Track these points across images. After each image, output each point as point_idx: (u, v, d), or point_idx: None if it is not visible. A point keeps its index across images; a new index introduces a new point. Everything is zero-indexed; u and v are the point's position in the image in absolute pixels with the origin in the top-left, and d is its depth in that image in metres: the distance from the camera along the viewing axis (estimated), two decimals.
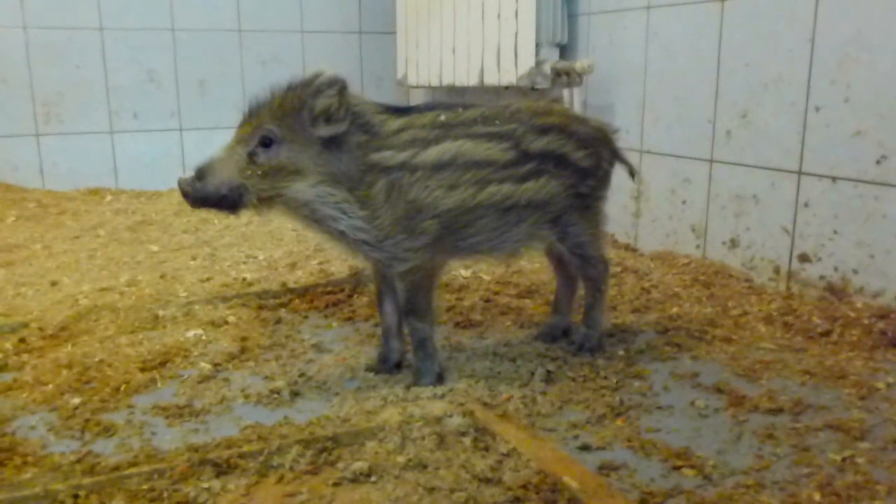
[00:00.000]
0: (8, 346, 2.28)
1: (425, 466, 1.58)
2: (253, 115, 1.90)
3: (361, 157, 1.91)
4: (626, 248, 3.30)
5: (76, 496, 1.49)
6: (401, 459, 1.60)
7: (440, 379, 2.01)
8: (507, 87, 3.80)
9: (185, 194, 1.87)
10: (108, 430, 1.80)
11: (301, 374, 2.09)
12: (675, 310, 2.56)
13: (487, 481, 1.52)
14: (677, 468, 1.57)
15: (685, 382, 2.02)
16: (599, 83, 3.44)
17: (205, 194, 1.87)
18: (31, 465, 1.64)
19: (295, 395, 1.98)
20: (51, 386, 2.02)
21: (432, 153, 1.94)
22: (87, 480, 1.53)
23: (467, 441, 1.69)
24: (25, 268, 3.09)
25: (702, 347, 2.25)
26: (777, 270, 2.69)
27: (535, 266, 3.10)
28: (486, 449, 1.66)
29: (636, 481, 1.53)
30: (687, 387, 2.00)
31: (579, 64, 3.33)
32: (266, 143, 1.87)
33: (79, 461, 1.64)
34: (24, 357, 2.22)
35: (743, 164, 2.79)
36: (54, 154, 4.44)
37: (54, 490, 1.49)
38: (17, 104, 4.34)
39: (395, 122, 1.95)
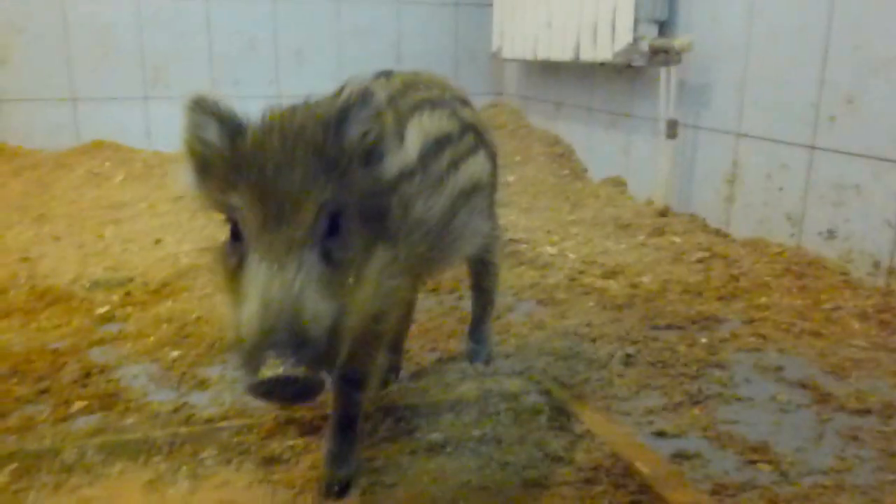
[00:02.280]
0: (115, 298, 2.44)
1: (500, 441, 1.62)
2: (280, 186, 1.13)
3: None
4: (717, 233, 3.22)
5: (172, 443, 1.60)
6: (476, 433, 1.64)
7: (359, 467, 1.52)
8: (602, 64, 3.74)
9: (312, 387, 1.07)
10: (202, 384, 1.92)
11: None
12: (763, 300, 2.49)
13: (559, 460, 1.55)
14: (753, 462, 1.56)
15: (768, 375, 1.98)
16: (698, 62, 3.34)
17: (330, 359, 1.11)
18: (133, 411, 1.77)
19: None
20: (152, 338, 2.16)
21: (412, 140, 1.45)
22: (183, 430, 1.64)
23: (542, 419, 1.71)
24: (131, 225, 3.27)
25: (789, 340, 2.19)
26: (876, 265, 2.58)
27: (620, 247, 3.07)
28: (561, 428, 1.68)
29: (709, 472, 1.52)
30: (770, 380, 1.96)
31: (678, 41, 3.25)
32: (334, 224, 1.17)
33: (175, 411, 1.76)
34: (129, 310, 2.37)
35: (846, 152, 2.67)
36: (160, 117, 4.65)
37: (153, 437, 1.61)
38: (128, 69, 4.56)
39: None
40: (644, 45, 3.38)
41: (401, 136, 1.42)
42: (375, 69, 1.63)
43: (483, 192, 1.74)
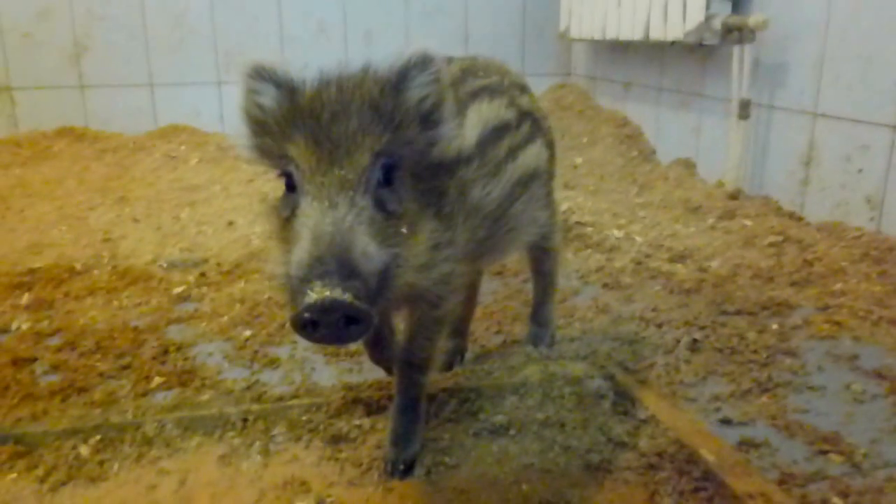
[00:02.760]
0: (191, 279, 2.53)
1: (563, 425, 1.63)
2: (334, 132, 1.16)
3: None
4: (791, 216, 3.13)
5: (245, 420, 1.67)
6: (540, 416, 1.65)
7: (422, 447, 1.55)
8: (672, 43, 3.66)
9: (359, 318, 1.04)
10: (273, 363, 1.98)
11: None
12: (838, 286, 2.42)
13: (623, 445, 1.55)
14: (823, 452, 1.52)
15: (842, 364, 1.93)
16: (774, 40, 3.24)
17: (378, 300, 1.12)
18: (208, 387, 1.84)
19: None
20: (226, 318, 2.24)
21: (471, 127, 1.47)
22: (255, 407, 1.70)
23: (606, 404, 1.71)
24: (206, 208, 3.37)
25: (865, 328, 2.12)
26: None
27: (689, 230, 3.02)
28: (625, 413, 1.68)
29: (777, 461, 1.50)
30: (844, 369, 1.91)
31: (753, 19, 3.15)
32: (388, 176, 1.20)
33: (248, 388, 1.83)
34: (204, 290, 2.46)
35: None
36: (233, 101, 4.75)
37: (227, 413, 1.67)
38: (202, 54, 4.68)
39: None
40: (717, 23, 3.29)
41: (459, 123, 1.41)
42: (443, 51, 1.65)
43: (540, 180, 1.75)
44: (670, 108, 4.05)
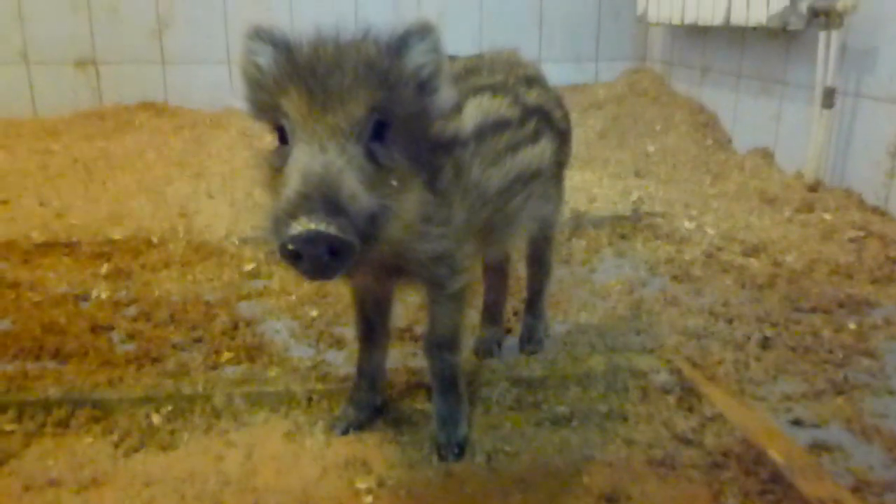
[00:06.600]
0: (261, 256, 2.59)
1: (626, 419, 1.61)
2: (328, 85, 1.20)
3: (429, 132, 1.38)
4: (875, 210, 2.99)
5: (310, 399, 1.70)
6: (603, 408, 1.64)
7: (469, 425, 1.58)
8: (754, 28, 3.53)
9: (341, 250, 1.08)
10: (339, 343, 2.01)
11: (515, 313, 2.17)
12: None
13: (687, 442, 1.52)
14: None
15: None
16: (863, 24, 3.09)
17: (367, 240, 1.14)
18: (275, 364, 1.89)
19: (508, 332, 2.06)
20: (294, 296, 2.28)
21: (469, 116, 1.51)
22: (320, 386, 1.73)
23: (671, 399, 1.68)
24: None
25: None
26: None
27: (764, 222, 2.92)
28: (690, 409, 1.65)
29: (851, 466, 1.45)
30: None
31: (841, 3, 3.01)
32: (380, 132, 1.23)
33: (314, 367, 1.86)
34: (274, 267, 2.51)
35: None
36: None
37: (293, 390, 1.71)
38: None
39: None
40: (803, 7, 3.15)
41: (458, 109, 1.46)
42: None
43: (543, 177, 1.73)
44: (749, 95, 3.92)
